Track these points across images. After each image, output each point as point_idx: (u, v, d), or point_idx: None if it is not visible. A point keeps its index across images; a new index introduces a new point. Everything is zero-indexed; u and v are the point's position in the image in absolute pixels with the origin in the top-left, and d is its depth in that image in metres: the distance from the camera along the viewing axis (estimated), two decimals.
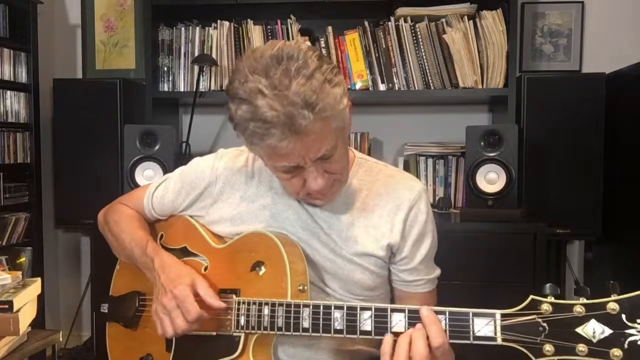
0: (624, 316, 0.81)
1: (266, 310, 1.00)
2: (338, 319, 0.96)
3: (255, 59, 0.91)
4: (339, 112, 0.93)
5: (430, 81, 2.52)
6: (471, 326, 0.89)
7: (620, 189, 2.39)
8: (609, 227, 2.38)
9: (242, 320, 1.02)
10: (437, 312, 0.91)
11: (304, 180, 0.99)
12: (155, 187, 1.25)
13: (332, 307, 0.96)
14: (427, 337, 0.89)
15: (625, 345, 0.80)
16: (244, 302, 1.03)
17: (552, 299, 0.86)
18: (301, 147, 0.91)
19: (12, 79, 2.56)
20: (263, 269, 1.05)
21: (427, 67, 2.51)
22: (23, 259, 2.60)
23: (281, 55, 0.90)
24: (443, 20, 2.51)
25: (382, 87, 2.56)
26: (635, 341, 0.80)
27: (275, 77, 0.88)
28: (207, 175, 1.17)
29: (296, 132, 0.88)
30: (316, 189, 0.99)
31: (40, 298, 1.75)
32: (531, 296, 0.87)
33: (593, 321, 0.83)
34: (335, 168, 1.00)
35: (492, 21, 2.45)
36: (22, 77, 2.62)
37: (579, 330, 0.83)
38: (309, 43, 2.28)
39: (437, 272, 1.17)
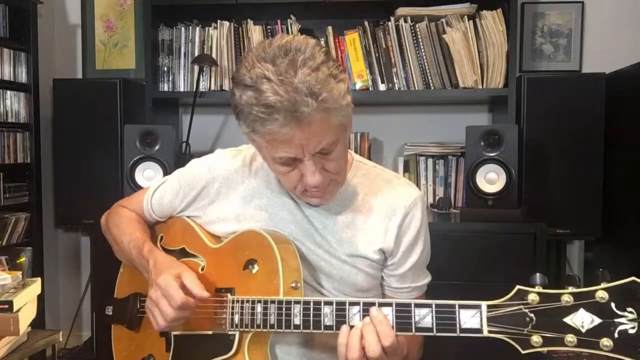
0: (613, 304, 0.79)
1: (259, 308, 1.00)
2: (328, 314, 0.95)
3: (264, 49, 0.93)
4: (342, 107, 0.94)
5: (430, 81, 2.52)
6: (457, 318, 0.87)
7: (620, 189, 2.39)
8: (609, 227, 2.37)
9: (236, 319, 1.02)
10: (423, 306, 0.90)
11: (301, 175, 0.99)
12: (154, 189, 1.25)
13: (322, 303, 0.96)
14: (378, 335, 0.90)
15: (615, 335, 0.78)
16: (237, 301, 1.03)
17: (540, 289, 0.83)
18: (301, 136, 0.91)
19: (12, 79, 2.57)
20: (256, 267, 1.05)
21: (427, 67, 2.51)
22: (23, 259, 2.60)
23: (289, 46, 0.91)
24: (443, 20, 2.51)
25: (382, 87, 2.55)
26: (626, 330, 0.78)
27: (282, 65, 0.89)
28: (205, 175, 1.17)
29: (298, 120, 0.89)
30: (313, 184, 0.99)
31: (40, 298, 1.75)
32: (517, 286, 0.85)
33: (582, 310, 0.81)
34: (333, 167, 1.00)
35: (492, 21, 2.45)
36: (22, 77, 2.62)
37: (567, 320, 0.81)
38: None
39: (427, 279, 1.17)
